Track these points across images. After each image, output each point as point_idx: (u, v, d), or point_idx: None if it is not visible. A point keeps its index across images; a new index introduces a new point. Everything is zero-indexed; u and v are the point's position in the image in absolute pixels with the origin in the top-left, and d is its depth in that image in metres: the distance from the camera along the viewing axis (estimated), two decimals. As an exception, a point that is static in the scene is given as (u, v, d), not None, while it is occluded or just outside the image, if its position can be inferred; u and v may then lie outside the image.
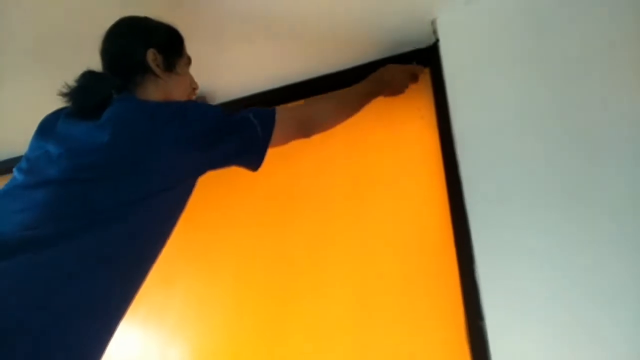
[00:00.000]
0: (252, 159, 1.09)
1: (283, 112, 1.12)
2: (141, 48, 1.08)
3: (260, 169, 1.10)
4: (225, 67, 1.63)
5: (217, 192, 1.66)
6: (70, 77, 1.03)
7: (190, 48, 1.22)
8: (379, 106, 1.42)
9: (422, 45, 1.48)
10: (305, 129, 1.19)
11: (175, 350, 1.50)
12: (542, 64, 1.24)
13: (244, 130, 1.04)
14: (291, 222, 1.52)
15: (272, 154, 1.09)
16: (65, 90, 1.00)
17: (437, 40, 1.41)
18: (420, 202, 1.35)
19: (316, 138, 1.23)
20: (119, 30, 1.11)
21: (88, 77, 1.03)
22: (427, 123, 1.42)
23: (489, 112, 1.25)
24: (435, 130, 1.37)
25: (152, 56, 1.08)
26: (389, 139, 1.48)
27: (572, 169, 1.11)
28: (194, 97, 1.23)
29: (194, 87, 1.21)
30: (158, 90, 1.08)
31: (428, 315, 1.21)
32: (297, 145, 1.21)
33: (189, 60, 1.20)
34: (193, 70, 1.23)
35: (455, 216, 1.21)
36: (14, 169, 1.00)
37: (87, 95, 1.00)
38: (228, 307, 1.49)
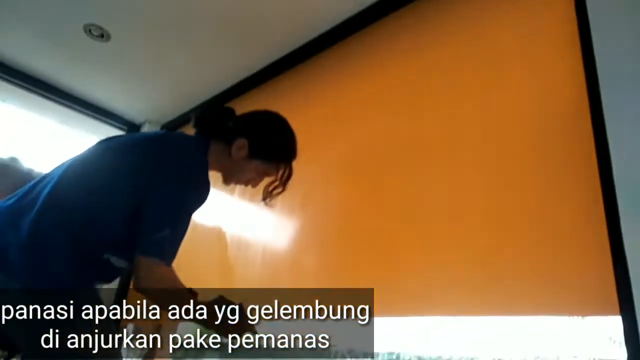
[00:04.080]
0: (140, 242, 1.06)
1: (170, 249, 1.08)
2: (241, 134, 1.23)
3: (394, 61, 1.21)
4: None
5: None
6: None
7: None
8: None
9: None
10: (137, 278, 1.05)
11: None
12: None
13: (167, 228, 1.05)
14: (423, 105, 1.61)
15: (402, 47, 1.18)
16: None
17: None
18: (556, 75, 1.33)
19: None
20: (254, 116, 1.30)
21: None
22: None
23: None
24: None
25: (240, 143, 1.23)
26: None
27: None
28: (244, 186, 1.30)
29: (251, 184, 1.28)
30: (222, 154, 1.23)
31: (564, 182, 1.24)
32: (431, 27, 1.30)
33: (275, 170, 1.27)
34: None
35: (590, 90, 1.21)
36: None
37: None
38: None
